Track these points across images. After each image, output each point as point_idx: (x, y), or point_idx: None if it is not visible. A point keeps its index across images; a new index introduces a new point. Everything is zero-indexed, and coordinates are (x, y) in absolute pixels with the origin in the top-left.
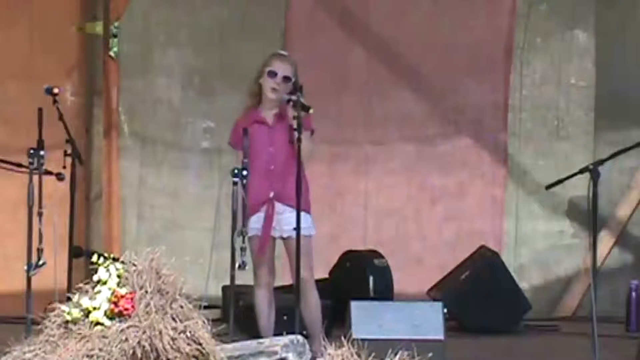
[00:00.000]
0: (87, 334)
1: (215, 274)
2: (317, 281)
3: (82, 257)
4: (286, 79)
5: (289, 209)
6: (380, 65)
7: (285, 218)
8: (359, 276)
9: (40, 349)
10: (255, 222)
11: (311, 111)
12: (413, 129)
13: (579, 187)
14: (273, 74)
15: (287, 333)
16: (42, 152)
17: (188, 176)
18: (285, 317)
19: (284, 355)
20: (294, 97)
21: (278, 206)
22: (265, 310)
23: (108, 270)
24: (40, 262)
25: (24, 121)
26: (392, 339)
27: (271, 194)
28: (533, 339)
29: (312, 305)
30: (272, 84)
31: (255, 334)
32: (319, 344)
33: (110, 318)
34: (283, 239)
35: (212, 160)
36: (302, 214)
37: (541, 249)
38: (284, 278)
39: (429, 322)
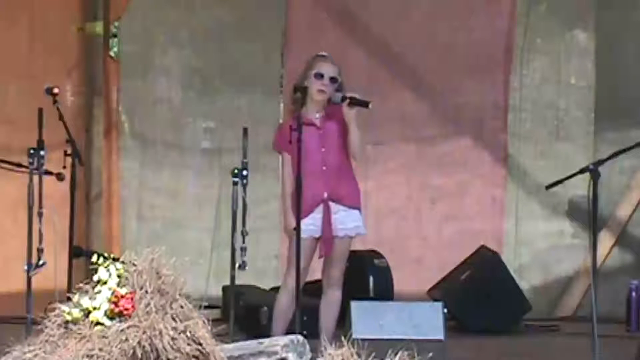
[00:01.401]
0: (87, 334)
1: (215, 274)
2: (318, 281)
3: (82, 257)
4: (333, 79)
5: (343, 208)
6: (380, 65)
7: (339, 218)
8: (359, 276)
9: (40, 349)
10: (310, 224)
11: (370, 106)
12: (413, 129)
13: (579, 187)
14: (320, 76)
15: (287, 333)
16: (42, 152)
17: (188, 176)
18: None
19: (284, 355)
20: (349, 94)
21: (332, 206)
22: (284, 313)
23: (108, 270)
24: (40, 262)
25: (24, 121)
26: (392, 339)
27: (325, 195)
28: (533, 339)
29: (331, 302)
30: (320, 86)
31: (256, 334)
32: (320, 343)
33: (111, 318)
34: (336, 237)
35: (212, 160)
36: (356, 212)
37: (541, 249)
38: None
39: (429, 322)
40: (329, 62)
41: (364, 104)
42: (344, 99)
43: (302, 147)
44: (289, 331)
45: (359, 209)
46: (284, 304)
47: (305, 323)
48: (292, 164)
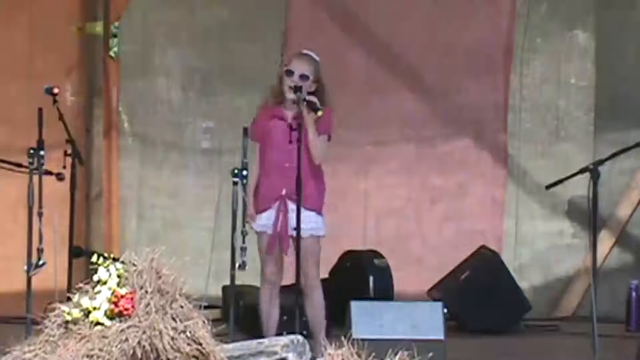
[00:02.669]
0: (87, 334)
1: (215, 274)
2: None
3: (82, 257)
4: (303, 77)
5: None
6: (380, 65)
7: (294, 217)
8: (359, 276)
9: (40, 349)
10: (266, 219)
11: (319, 113)
12: (413, 129)
13: (579, 187)
14: (290, 73)
15: (287, 333)
16: (42, 152)
17: (188, 176)
18: (285, 317)
19: (284, 355)
20: (307, 97)
21: (289, 204)
22: (267, 309)
23: (108, 270)
24: (40, 262)
25: (24, 121)
26: (392, 339)
27: (283, 192)
28: (533, 339)
29: (316, 304)
30: (290, 83)
31: (256, 334)
32: (319, 344)
33: (110, 318)
34: (292, 237)
35: (212, 160)
36: (313, 213)
37: (541, 249)
38: (288, 276)
39: (429, 322)
40: (302, 60)
41: (314, 108)
42: (303, 100)
43: (300, 146)
44: (289, 331)
45: (317, 211)
46: (265, 300)
47: (305, 323)
48: (259, 157)
